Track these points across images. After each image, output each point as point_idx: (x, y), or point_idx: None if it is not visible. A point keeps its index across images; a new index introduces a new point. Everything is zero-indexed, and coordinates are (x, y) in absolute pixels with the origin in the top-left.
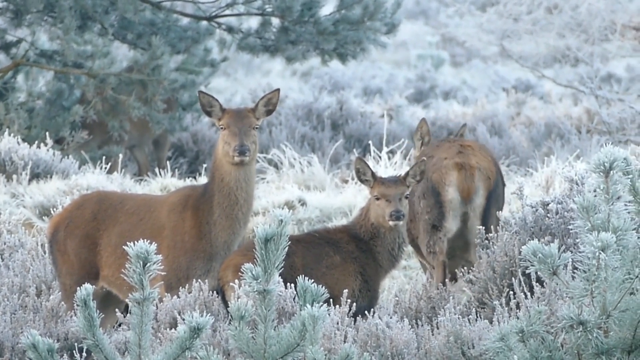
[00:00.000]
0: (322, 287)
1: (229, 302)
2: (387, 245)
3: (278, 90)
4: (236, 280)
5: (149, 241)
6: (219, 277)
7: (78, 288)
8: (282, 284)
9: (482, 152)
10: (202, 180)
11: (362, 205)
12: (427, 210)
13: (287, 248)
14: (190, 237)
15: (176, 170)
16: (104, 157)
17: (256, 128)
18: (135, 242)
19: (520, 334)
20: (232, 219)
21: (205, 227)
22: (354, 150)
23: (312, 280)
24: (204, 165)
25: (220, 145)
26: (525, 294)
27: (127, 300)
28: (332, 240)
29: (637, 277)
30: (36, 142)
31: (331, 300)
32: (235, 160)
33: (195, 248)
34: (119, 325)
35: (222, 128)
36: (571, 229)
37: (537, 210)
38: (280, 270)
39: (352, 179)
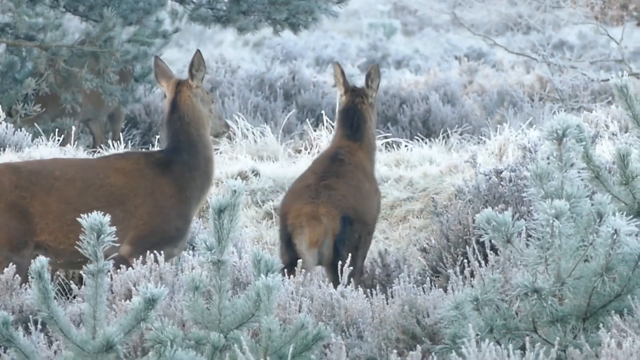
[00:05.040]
0: (364, 215)
1: (295, 248)
2: None
3: (198, 50)
4: (307, 228)
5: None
6: (288, 223)
7: (10, 259)
8: (236, 254)
9: None
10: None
11: None
12: None
13: (331, 182)
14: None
15: (129, 141)
16: (56, 130)
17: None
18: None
19: (475, 302)
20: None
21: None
22: (307, 120)
23: (357, 210)
24: (157, 137)
25: None
26: (479, 262)
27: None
28: (359, 165)
29: (590, 244)
30: None
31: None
32: None
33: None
34: (74, 297)
35: None
36: (525, 197)
37: (490, 178)
38: (337, 201)
39: (305, 149)
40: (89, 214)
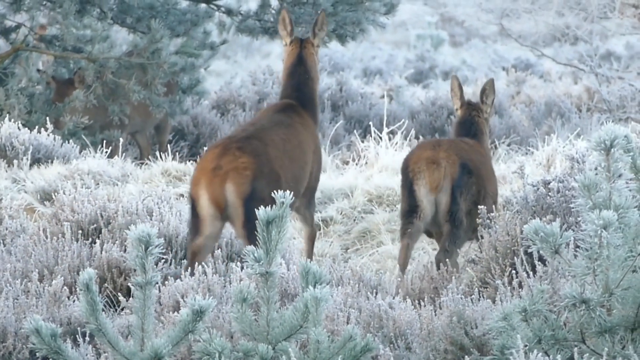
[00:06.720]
0: (485, 178)
1: (416, 194)
2: None
3: (322, 10)
4: (427, 172)
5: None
6: (409, 169)
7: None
8: (284, 265)
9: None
10: None
11: (363, 185)
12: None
13: (459, 152)
14: None
15: (177, 153)
16: (104, 142)
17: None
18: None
19: (523, 313)
20: None
21: None
22: (355, 131)
23: (479, 167)
24: (204, 149)
25: None
26: (527, 273)
27: None
28: (475, 150)
29: (639, 254)
30: (37, 127)
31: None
32: None
33: None
34: (122, 309)
35: None
36: (573, 208)
37: (538, 189)
38: (457, 149)
39: (353, 160)
40: (305, 169)
